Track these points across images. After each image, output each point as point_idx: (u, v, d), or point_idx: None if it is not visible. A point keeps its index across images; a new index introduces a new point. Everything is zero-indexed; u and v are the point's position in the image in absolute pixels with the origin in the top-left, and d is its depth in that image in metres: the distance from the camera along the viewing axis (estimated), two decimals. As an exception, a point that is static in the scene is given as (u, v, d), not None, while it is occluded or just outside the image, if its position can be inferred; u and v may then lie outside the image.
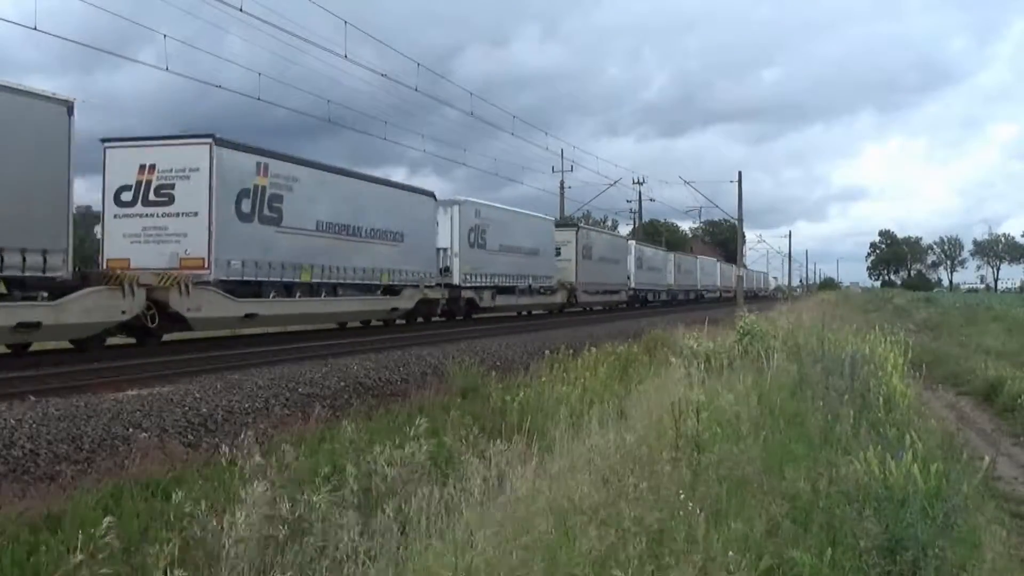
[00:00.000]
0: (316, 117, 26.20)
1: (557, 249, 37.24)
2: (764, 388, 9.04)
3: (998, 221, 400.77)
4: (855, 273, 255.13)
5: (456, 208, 28.08)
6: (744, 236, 61.09)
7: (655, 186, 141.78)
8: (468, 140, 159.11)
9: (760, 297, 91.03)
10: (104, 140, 17.92)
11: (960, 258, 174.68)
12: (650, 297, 52.80)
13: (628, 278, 46.96)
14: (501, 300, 30.75)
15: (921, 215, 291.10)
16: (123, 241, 17.38)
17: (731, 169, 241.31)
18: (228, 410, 10.28)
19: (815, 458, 6.19)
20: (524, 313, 35.13)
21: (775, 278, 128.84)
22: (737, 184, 50.91)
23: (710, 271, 74.45)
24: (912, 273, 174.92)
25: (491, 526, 4.21)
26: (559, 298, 37.25)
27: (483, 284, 29.35)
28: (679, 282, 60.81)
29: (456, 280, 27.58)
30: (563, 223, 39.61)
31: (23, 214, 12.97)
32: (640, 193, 64.00)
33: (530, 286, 33.79)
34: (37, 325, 13.11)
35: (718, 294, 75.88)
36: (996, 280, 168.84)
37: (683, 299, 62.17)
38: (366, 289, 22.77)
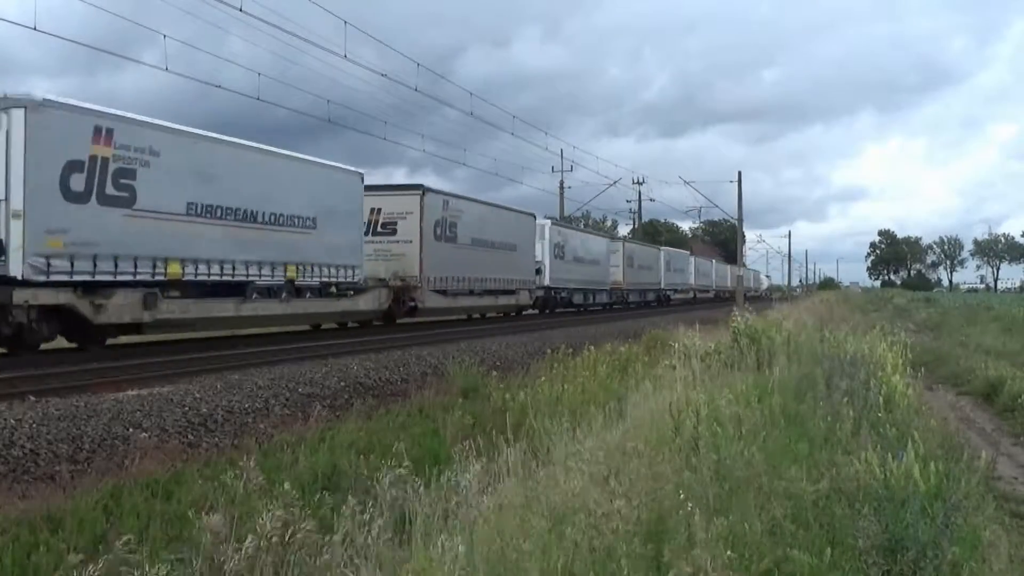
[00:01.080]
0: (316, 117, 25.58)
1: (381, 224, 24.07)
2: (764, 388, 9.03)
3: (998, 221, 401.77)
4: (855, 273, 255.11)
5: (11, 118, 12.86)
6: (744, 236, 61.13)
7: (655, 186, 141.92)
8: (468, 140, 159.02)
9: (749, 298, 78.30)
10: None
11: (960, 258, 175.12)
12: (578, 299, 38.85)
13: (538, 273, 33.73)
14: (188, 309, 16.40)
15: (921, 215, 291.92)
16: None
17: (731, 169, 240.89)
18: (228, 410, 10.29)
19: (815, 458, 6.19)
20: (319, 328, 22.09)
21: (767, 276, 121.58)
22: (737, 184, 50.93)
23: (680, 267, 60.54)
24: (912, 273, 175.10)
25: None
26: (367, 303, 22.39)
27: (119, 277, 14.58)
28: (632, 279, 46.76)
29: (15, 269, 12.80)
30: (399, 185, 25.81)
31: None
32: (640, 193, 63.99)
33: (292, 283, 19.23)
34: None
35: (691, 294, 64.57)
36: (996, 280, 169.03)
37: (636, 301, 48.84)
38: None
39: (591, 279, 40.64)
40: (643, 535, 4.09)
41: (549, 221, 36.91)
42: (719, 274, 76.40)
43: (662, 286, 54.75)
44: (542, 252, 34.43)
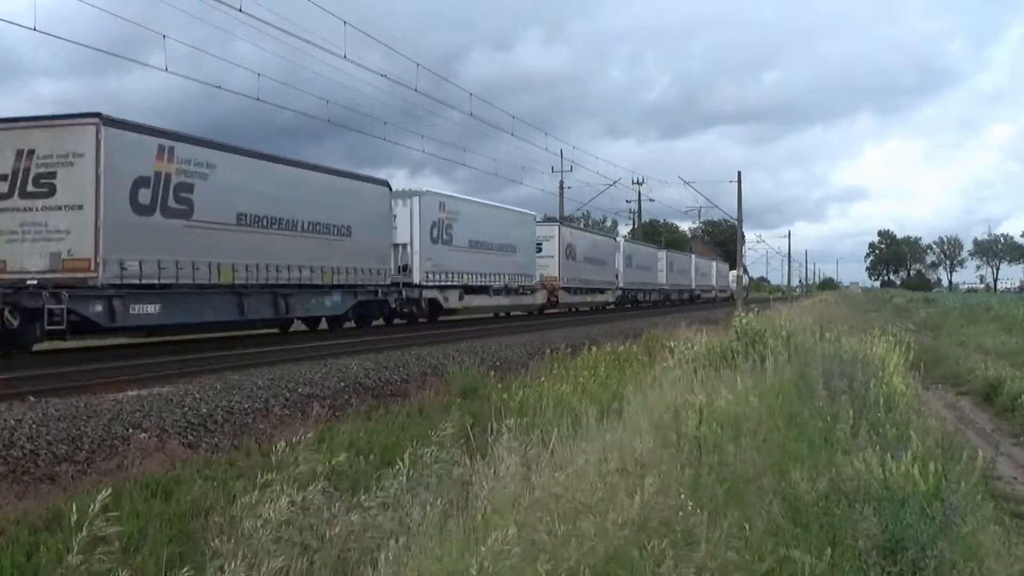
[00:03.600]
0: (319, 119, 25.18)
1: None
2: (764, 388, 9.02)
3: (997, 221, 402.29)
4: (855, 273, 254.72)
5: None
6: (744, 236, 61.08)
7: (655, 186, 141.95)
8: (469, 141, 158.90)
9: (712, 300, 63.98)
10: None
11: (959, 258, 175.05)
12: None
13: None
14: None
15: (921, 215, 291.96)
16: None
17: (731, 170, 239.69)
18: (228, 410, 10.29)
19: (815, 458, 6.18)
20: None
21: (746, 273, 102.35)
22: (737, 184, 50.81)
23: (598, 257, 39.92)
24: (911, 273, 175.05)
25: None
26: None
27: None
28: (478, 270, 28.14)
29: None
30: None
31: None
32: (640, 193, 63.87)
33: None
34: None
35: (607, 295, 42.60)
36: (996, 280, 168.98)
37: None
38: None
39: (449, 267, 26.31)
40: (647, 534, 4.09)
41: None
42: (645, 263, 50.98)
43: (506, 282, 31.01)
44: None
